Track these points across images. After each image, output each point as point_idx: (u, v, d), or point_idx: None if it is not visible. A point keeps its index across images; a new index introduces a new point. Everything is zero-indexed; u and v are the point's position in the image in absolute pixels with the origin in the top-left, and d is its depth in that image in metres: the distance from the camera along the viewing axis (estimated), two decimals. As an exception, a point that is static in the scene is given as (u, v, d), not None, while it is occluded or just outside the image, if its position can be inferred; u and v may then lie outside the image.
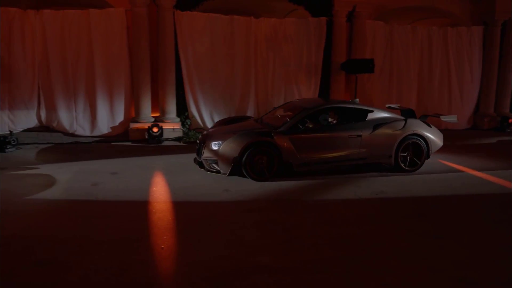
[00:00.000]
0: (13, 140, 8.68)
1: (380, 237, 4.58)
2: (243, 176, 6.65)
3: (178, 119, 10.35)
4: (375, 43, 11.76)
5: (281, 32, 11.01)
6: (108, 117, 10.13)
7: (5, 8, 9.39)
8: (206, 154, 6.82)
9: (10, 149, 8.52)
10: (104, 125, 10.16)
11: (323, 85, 11.58)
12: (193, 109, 10.53)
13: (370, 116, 7.39)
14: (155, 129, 9.60)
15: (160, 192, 6.16)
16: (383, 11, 12.13)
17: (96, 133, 10.14)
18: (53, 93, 9.83)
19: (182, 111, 10.48)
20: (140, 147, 9.37)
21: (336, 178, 6.94)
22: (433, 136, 7.51)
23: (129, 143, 9.73)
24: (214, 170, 6.80)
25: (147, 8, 9.92)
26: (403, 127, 7.31)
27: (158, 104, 10.30)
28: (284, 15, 12.87)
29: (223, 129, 7.45)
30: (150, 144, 9.55)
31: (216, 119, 10.11)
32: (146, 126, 9.75)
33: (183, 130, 10.23)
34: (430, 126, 7.62)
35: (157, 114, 10.31)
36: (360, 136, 7.11)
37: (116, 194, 6.00)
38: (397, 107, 8.58)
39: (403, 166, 7.35)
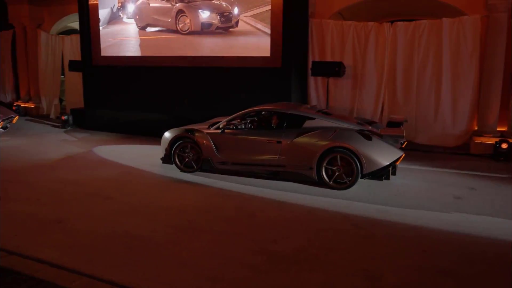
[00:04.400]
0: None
1: None
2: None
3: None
4: None
5: None
6: (447, 127, 9.85)
7: (364, 23, 10.49)
8: None
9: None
10: (441, 135, 9.95)
11: None
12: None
13: (309, 123, 7.08)
14: (504, 145, 8.79)
15: None
16: None
17: (432, 141, 10.02)
18: (395, 98, 10.36)
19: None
20: (486, 162, 8.83)
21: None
22: (368, 152, 6.43)
23: (470, 156, 9.26)
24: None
25: (507, 13, 9.15)
26: (330, 138, 6.68)
27: (506, 117, 9.39)
28: None
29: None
30: (496, 159, 8.88)
31: None
32: (491, 140, 9.11)
33: None
34: (370, 139, 6.54)
35: (504, 129, 9.41)
36: (280, 142, 6.99)
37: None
38: (398, 120, 7.37)
39: (327, 181, 6.75)
